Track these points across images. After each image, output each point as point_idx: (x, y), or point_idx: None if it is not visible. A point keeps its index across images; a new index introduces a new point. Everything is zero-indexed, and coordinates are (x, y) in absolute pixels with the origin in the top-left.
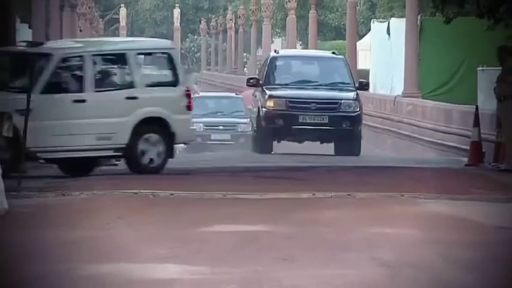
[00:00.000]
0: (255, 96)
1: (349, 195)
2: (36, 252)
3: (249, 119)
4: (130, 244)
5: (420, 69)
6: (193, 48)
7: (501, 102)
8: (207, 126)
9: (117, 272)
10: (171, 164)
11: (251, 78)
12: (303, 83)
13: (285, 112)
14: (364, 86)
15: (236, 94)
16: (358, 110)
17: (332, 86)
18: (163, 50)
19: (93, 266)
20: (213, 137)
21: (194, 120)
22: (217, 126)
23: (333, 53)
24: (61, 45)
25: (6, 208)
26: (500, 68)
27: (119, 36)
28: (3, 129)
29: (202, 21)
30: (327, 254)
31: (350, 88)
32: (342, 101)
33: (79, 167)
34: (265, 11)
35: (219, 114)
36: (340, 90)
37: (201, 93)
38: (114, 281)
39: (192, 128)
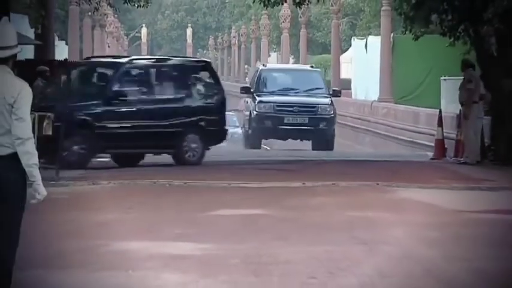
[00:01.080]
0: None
1: (333, 184)
2: (72, 231)
3: (330, 99)
4: (150, 225)
5: (393, 78)
6: None
7: (462, 106)
8: (279, 106)
9: (139, 248)
10: None
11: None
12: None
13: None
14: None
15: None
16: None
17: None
18: None
19: (120, 243)
20: (286, 120)
21: (263, 99)
22: (292, 107)
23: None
24: None
25: (45, 194)
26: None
27: (140, 50)
28: (43, 128)
29: (210, 39)
30: (314, 233)
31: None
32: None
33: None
34: (263, 30)
35: (292, 92)
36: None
37: (269, 65)
38: (137, 256)
39: None
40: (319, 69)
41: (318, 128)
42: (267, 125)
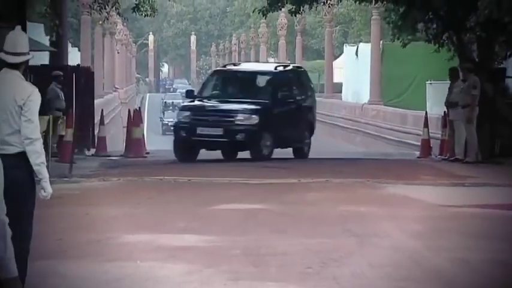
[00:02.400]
0: None
1: (327, 180)
2: (84, 224)
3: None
4: (157, 219)
5: (382, 82)
6: (205, 66)
7: (464, 109)
8: (195, 115)
9: (148, 241)
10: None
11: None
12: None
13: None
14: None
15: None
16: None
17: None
18: None
19: (129, 235)
20: (199, 130)
21: (186, 105)
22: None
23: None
24: None
25: (51, 192)
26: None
27: (147, 56)
28: (58, 129)
29: (212, 45)
30: (310, 226)
31: (261, 101)
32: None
33: None
34: (261, 37)
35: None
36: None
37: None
38: (145, 247)
39: None
40: (289, 69)
41: (235, 140)
42: (182, 135)
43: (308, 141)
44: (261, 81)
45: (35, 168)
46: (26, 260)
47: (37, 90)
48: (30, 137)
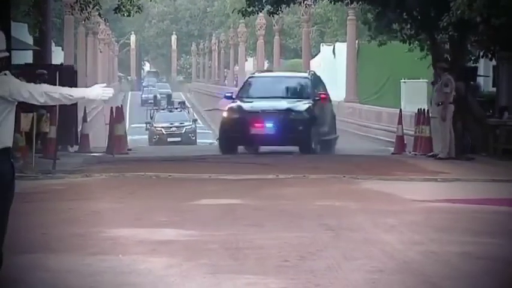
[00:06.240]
0: None
1: (304, 176)
2: (68, 219)
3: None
4: (139, 213)
5: (358, 81)
6: (186, 65)
7: (438, 107)
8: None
9: (129, 235)
10: (168, 153)
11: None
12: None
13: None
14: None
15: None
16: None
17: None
18: None
19: (111, 230)
20: None
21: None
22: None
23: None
24: None
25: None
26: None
27: (129, 55)
28: (41, 126)
29: (193, 45)
30: (287, 221)
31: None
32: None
33: None
34: (240, 37)
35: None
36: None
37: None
38: (127, 241)
39: None
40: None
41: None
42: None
43: None
44: None
45: (72, 98)
46: (1, 253)
47: (12, 76)
48: (54, 94)
